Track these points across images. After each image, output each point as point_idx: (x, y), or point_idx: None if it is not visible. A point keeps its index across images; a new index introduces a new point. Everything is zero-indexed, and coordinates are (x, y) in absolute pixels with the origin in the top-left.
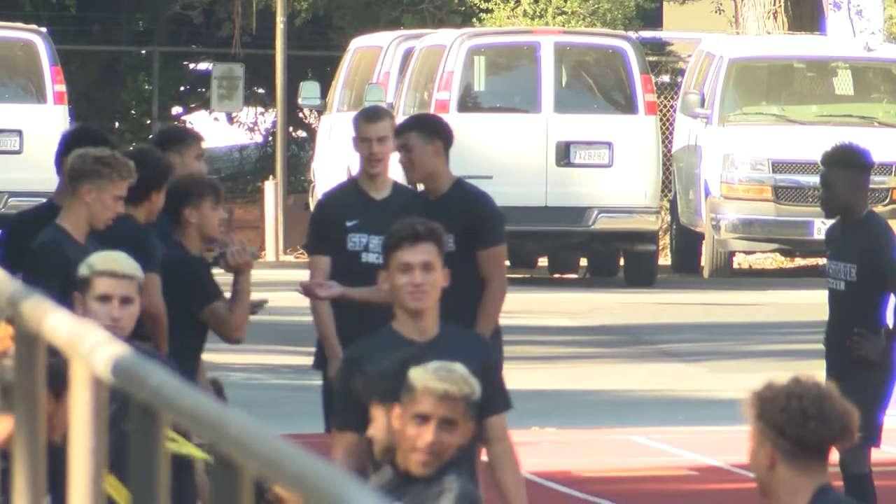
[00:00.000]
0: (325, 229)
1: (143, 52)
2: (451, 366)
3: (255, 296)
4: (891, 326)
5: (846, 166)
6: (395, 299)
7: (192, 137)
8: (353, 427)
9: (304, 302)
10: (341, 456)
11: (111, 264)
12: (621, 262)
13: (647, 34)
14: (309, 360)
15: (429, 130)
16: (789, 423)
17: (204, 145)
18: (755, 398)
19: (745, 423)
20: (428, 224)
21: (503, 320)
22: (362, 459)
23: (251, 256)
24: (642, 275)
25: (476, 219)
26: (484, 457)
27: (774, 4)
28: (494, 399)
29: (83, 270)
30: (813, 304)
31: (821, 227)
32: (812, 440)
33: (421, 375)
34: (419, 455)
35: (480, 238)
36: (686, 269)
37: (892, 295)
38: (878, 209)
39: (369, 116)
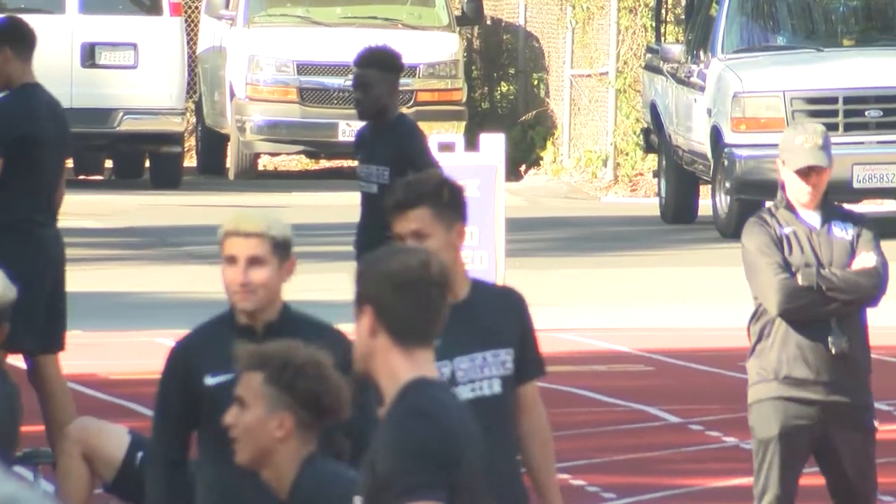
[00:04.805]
0: None
1: None
2: None
3: None
4: None
5: (385, 69)
6: None
7: None
8: None
9: None
10: None
11: (238, 223)
12: (147, 163)
13: None
14: None
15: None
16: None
17: None
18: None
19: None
20: (414, 187)
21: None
22: None
23: None
24: (168, 176)
25: None
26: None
27: None
28: (530, 364)
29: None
30: (337, 206)
31: (346, 129)
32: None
33: None
34: None
35: None
36: (212, 170)
37: None
38: (404, 111)
39: None
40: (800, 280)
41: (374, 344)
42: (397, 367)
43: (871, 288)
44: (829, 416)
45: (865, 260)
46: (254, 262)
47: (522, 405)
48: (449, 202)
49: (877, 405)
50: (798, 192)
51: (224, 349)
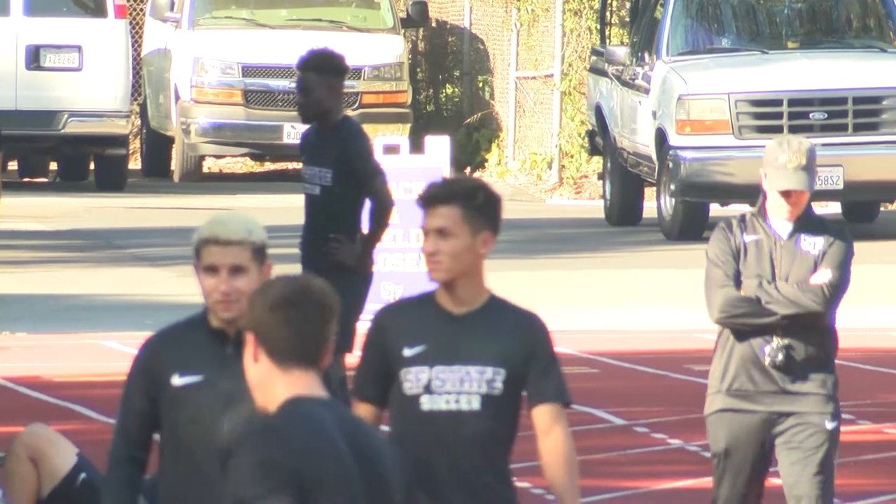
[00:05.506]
0: None
1: None
2: None
3: None
4: (366, 231)
5: (324, 72)
6: None
7: None
8: (370, 399)
9: None
10: None
11: (216, 231)
12: (92, 166)
13: None
14: None
15: None
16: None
17: None
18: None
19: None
20: (450, 184)
21: None
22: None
23: None
24: (113, 179)
25: None
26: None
27: None
28: (542, 387)
29: (194, 237)
30: (283, 208)
31: (290, 132)
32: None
33: None
34: None
35: None
36: (156, 173)
37: (368, 199)
38: (349, 113)
39: None
40: (742, 291)
41: (257, 369)
42: (276, 389)
43: (812, 304)
44: (775, 425)
45: (819, 277)
46: (236, 270)
47: (538, 428)
48: (481, 207)
49: None
50: (777, 208)
51: (195, 351)
